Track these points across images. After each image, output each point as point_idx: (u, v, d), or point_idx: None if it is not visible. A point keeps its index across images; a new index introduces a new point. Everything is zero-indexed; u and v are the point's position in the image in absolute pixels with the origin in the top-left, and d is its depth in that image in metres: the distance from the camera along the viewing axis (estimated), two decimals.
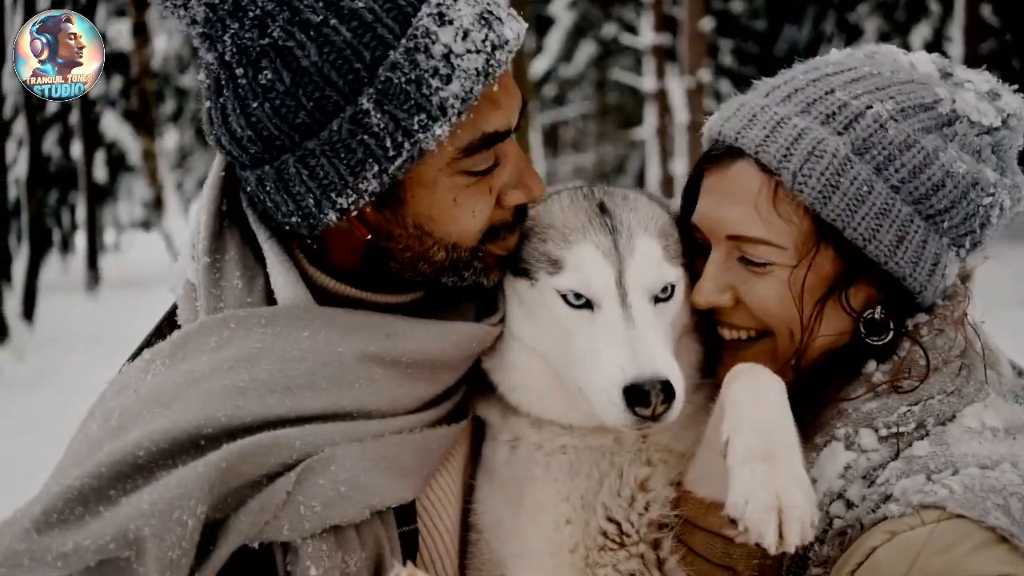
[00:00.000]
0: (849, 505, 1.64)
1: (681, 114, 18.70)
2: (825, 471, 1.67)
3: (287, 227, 1.69)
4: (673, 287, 1.83)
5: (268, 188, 1.64)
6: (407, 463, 1.66)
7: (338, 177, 1.58)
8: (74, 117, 24.20)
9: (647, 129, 21.81)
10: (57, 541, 1.32)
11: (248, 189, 1.70)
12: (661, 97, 20.71)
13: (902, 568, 1.48)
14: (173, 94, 30.38)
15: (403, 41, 1.53)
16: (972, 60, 16.41)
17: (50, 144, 26.92)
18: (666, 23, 21.13)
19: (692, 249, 1.90)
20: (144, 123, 19.21)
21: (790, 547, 1.40)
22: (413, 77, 1.53)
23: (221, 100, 1.62)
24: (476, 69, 1.56)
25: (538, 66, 25.72)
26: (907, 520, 1.52)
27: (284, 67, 1.54)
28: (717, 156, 1.82)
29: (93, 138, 24.67)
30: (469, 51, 1.56)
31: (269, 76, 1.54)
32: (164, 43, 29.34)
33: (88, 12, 19.30)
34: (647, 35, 21.01)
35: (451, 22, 1.55)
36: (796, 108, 1.75)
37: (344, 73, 1.53)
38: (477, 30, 1.58)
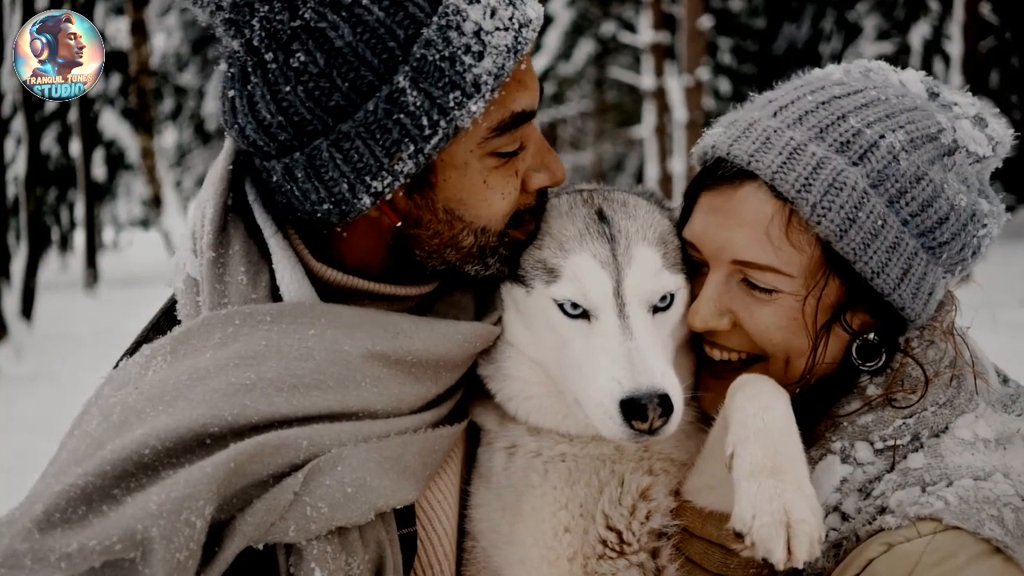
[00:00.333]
0: (844, 517, 1.64)
1: (680, 112, 18.68)
2: (821, 484, 1.66)
3: (317, 216, 1.66)
4: (673, 296, 1.80)
5: (298, 176, 1.61)
6: (411, 464, 1.65)
7: (373, 159, 1.57)
8: (73, 115, 24.21)
9: (646, 127, 21.78)
10: (60, 541, 1.28)
11: (274, 179, 1.66)
12: (660, 95, 20.68)
13: None
14: (171, 92, 30.35)
15: (435, 19, 1.54)
16: (971, 58, 16.43)
17: (49, 142, 26.95)
18: (665, 21, 21.11)
19: (688, 262, 1.88)
20: (142, 121, 19.18)
21: (799, 563, 1.39)
22: (447, 54, 1.53)
23: (249, 87, 1.60)
24: (506, 46, 1.58)
25: (536, 64, 25.66)
26: (904, 532, 1.52)
27: (317, 49, 1.53)
28: (723, 176, 1.78)
29: (92, 136, 24.66)
30: (498, 28, 1.57)
31: (301, 59, 1.54)
32: (162, 41, 29.35)
33: (86, 11, 19.29)
34: (646, 33, 20.98)
35: (478, 0, 1.56)
36: (810, 133, 1.72)
37: (379, 52, 1.52)
38: (503, 8, 1.59)
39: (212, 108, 28.38)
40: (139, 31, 18.55)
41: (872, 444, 1.68)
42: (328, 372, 1.58)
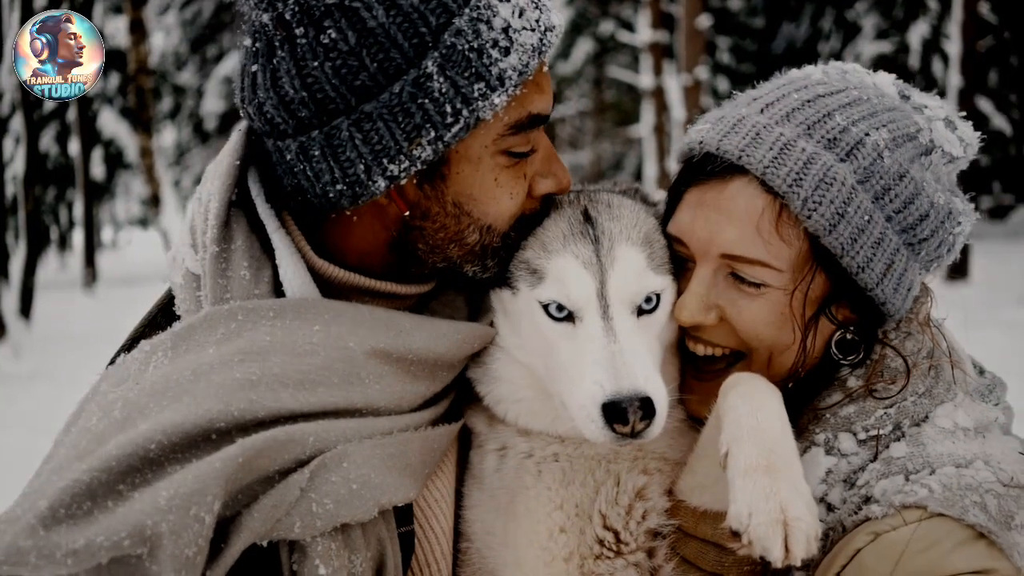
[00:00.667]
0: (830, 508, 1.66)
1: (678, 111, 18.70)
2: (807, 476, 1.65)
3: (328, 197, 1.65)
4: (659, 297, 1.80)
5: (313, 155, 1.62)
6: (412, 461, 1.65)
7: (393, 142, 1.58)
8: (71, 114, 24.21)
9: (644, 126, 21.79)
10: (66, 537, 1.26)
11: (287, 157, 1.65)
12: (658, 94, 20.70)
13: (887, 568, 1.51)
14: (170, 91, 30.31)
15: (467, 11, 1.57)
16: (970, 57, 16.43)
17: (47, 141, 26.94)
18: (663, 20, 21.12)
19: (674, 260, 1.88)
20: (141, 120, 19.18)
21: (796, 561, 1.39)
22: (475, 46, 1.56)
23: (275, 62, 1.60)
24: (532, 45, 1.61)
25: None
26: (889, 521, 1.54)
27: (349, 27, 1.54)
28: (713, 171, 1.78)
29: (90, 135, 24.67)
30: (525, 28, 1.61)
31: (333, 35, 1.54)
32: (161, 40, 29.33)
33: (85, 10, 19.27)
34: (644, 32, 20.99)
35: (509, 0, 1.60)
36: (799, 130, 1.74)
37: (410, 36, 1.54)
38: (531, 10, 1.63)
39: (211, 107, 28.37)
40: (138, 30, 18.55)
41: (855, 435, 1.70)
42: (333, 368, 1.57)
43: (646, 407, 1.61)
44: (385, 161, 1.59)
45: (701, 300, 1.77)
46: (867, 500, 1.60)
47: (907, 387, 1.71)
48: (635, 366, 1.65)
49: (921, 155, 1.77)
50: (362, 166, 1.60)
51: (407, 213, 1.69)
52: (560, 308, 1.75)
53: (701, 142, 1.82)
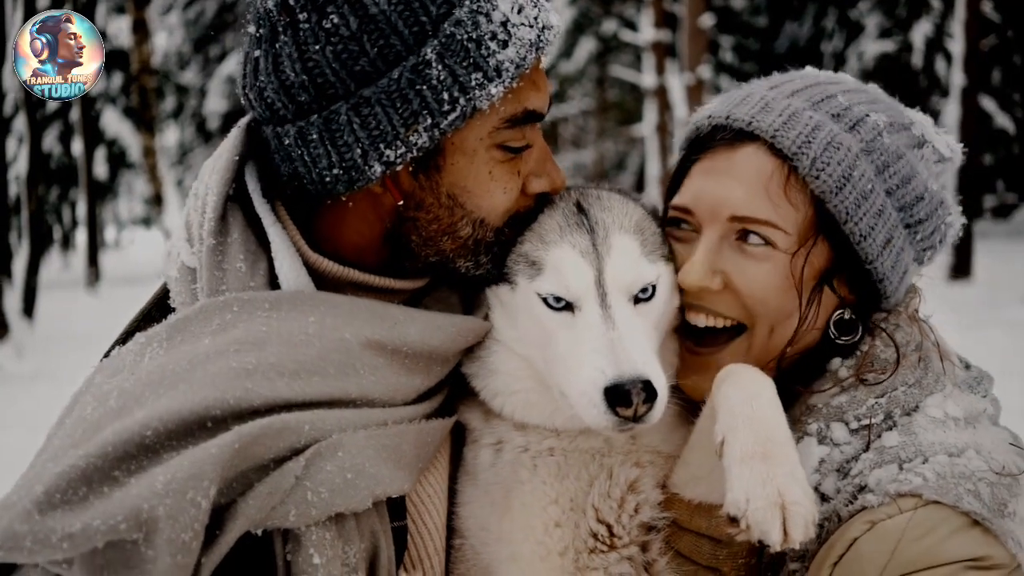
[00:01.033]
0: (824, 498, 1.67)
1: (681, 110, 18.67)
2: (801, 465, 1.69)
3: (324, 182, 1.67)
4: (654, 287, 1.81)
5: (311, 140, 1.64)
6: (406, 453, 1.66)
7: (390, 127, 1.60)
8: (74, 114, 24.25)
9: (647, 126, 21.79)
10: (62, 522, 1.26)
11: (285, 142, 1.68)
12: (661, 93, 20.69)
13: (884, 556, 1.53)
14: (173, 91, 30.36)
15: (467, 2, 1.60)
16: (973, 56, 16.42)
17: (50, 141, 26.99)
18: (666, 19, 21.12)
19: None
20: (144, 120, 19.23)
21: (795, 544, 1.41)
22: (474, 36, 1.60)
23: (277, 46, 1.63)
24: (529, 40, 1.65)
25: None
26: (885, 509, 1.56)
27: (351, 12, 1.58)
28: (723, 140, 1.83)
29: (93, 135, 24.70)
30: (523, 24, 1.65)
31: (335, 20, 1.58)
32: (164, 40, 29.37)
33: (88, 10, 19.30)
34: (647, 31, 20.99)
35: None
36: (805, 103, 1.80)
37: (410, 24, 1.58)
38: (530, 7, 1.67)
39: (214, 107, 28.40)
40: (140, 30, 18.61)
41: (847, 424, 1.73)
42: (329, 359, 1.58)
43: (648, 390, 1.63)
44: (382, 146, 1.62)
45: (707, 264, 1.80)
46: (862, 489, 1.62)
47: (896, 376, 1.73)
48: (634, 352, 1.68)
49: (914, 146, 1.84)
50: (359, 150, 1.62)
51: (401, 203, 1.71)
52: (558, 299, 1.77)
53: (710, 116, 1.88)
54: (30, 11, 14.13)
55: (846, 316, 1.81)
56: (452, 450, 1.92)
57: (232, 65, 27.09)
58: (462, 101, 1.60)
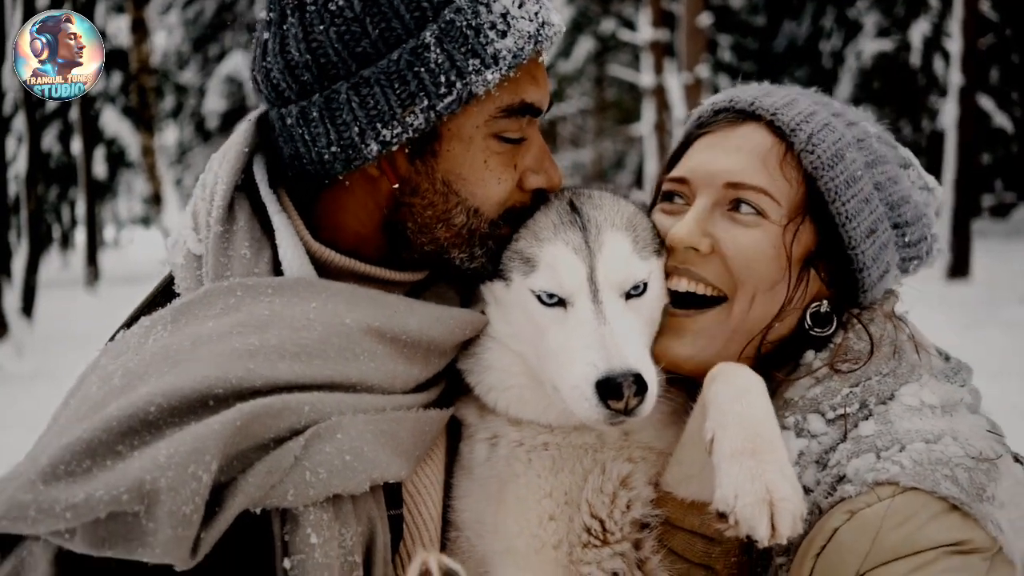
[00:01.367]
0: (805, 491, 1.68)
1: (679, 110, 18.68)
2: None
3: (323, 160, 1.72)
4: (646, 284, 1.84)
5: (312, 118, 1.70)
6: (404, 440, 1.68)
7: (388, 107, 1.66)
8: (74, 114, 24.23)
9: (645, 125, 21.80)
10: (65, 492, 1.29)
11: (287, 122, 1.74)
12: (659, 93, 20.70)
13: (864, 545, 1.55)
14: (172, 90, 30.35)
15: None
16: (971, 55, 16.42)
17: (50, 140, 26.98)
18: (664, 19, 21.13)
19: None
20: (143, 119, 19.22)
21: (782, 539, 1.43)
22: (474, 24, 1.65)
23: (284, 27, 1.70)
24: (528, 33, 1.70)
25: None
26: (864, 498, 1.58)
27: None
28: (725, 119, 1.92)
29: (93, 134, 24.69)
30: (523, 17, 1.70)
31: (340, 3, 1.65)
32: (163, 39, 29.37)
33: (87, 9, 19.30)
34: (645, 31, 21.00)
35: None
36: (806, 97, 1.90)
37: (412, 8, 1.65)
38: (531, 3, 1.73)
39: (213, 106, 28.39)
40: (139, 29, 18.60)
41: (823, 415, 1.75)
42: (330, 343, 1.61)
43: (639, 383, 1.65)
44: (379, 125, 1.67)
45: (697, 224, 1.84)
46: (840, 480, 1.64)
47: (870, 366, 1.76)
48: (625, 346, 1.71)
49: (901, 165, 1.91)
50: (356, 129, 1.67)
51: (397, 187, 1.74)
52: (551, 295, 1.80)
53: (712, 103, 1.96)
54: (30, 11, 14.12)
55: (822, 309, 1.85)
56: (448, 446, 1.94)
57: (231, 65, 27.11)
58: (458, 85, 1.65)
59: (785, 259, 1.81)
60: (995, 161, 25.52)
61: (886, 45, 23.35)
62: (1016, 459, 1.72)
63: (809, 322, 1.85)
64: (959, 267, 16.20)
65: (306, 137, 1.72)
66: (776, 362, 1.85)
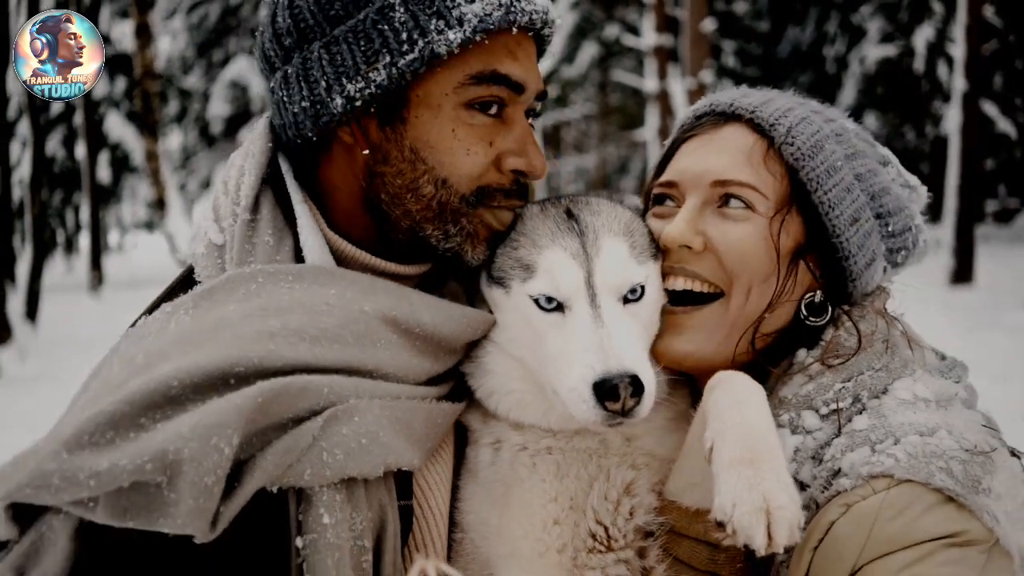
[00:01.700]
0: (802, 487, 1.70)
1: (683, 115, 18.67)
2: None
3: (297, 122, 1.78)
4: (643, 288, 1.87)
5: (291, 80, 1.78)
6: (416, 430, 1.71)
7: (352, 63, 1.72)
8: (78, 118, 24.30)
9: (649, 130, 21.81)
10: (89, 461, 1.31)
11: (274, 90, 1.83)
12: (663, 98, 20.72)
13: (861, 537, 1.56)
14: (176, 95, 30.45)
15: None
16: (975, 60, 16.41)
17: (54, 145, 27.07)
18: (668, 24, 21.15)
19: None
20: (147, 124, 19.23)
21: (779, 548, 1.43)
22: None
23: (275, 1, 1.82)
24: (499, 1, 1.73)
25: (540, 67, 25.69)
26: (859, 491, 1.59)
27: None
28: (707, 122, 1.97)
29: (97, 139, 24.73)
30: None
31: None
32: (168, 44, 29.44)
33: (91, 14, 19.35)
34: (649, 36, 21.02)
35: None
36: (783, 99, 1.96)
37: None
38: None
39: (217, 111, 28.47)
40: (144, 34, 18.62)
41: (817, 411, 1.76)
42: (348, 328, 1.64)
43: (636, 384, 1.67)
44: (344, 80, 1.73)
45: (688, 223, 1.88)
46: (836, 474, 1.65)
47: (859, 360, 1.78)
48: (622, 348, 1.72)
49: (880, 162, 1.95)
50: (324, 84, 1.74)
51: (367, 152, 1.78)
52: (549, 300, 1.82)
53: (695, 110, 2.03)
54: (34, 13, 14.17)
55: (816, 299, 1.88)
56: (456, 449, 1.96)
57: (235, 70, 27.18)
58: (420, 43, 1.69)
59: (784, 255, 1.84)
60: (998, 166, 25.50)
61: (890, 50, 23.36)
62: (1012, 453, 1.73)
63: (804, 312, 1.88)
64: (963, 272, 16.18)
65: (285, 99, 1.79)
66: (774, 358, 1.87)
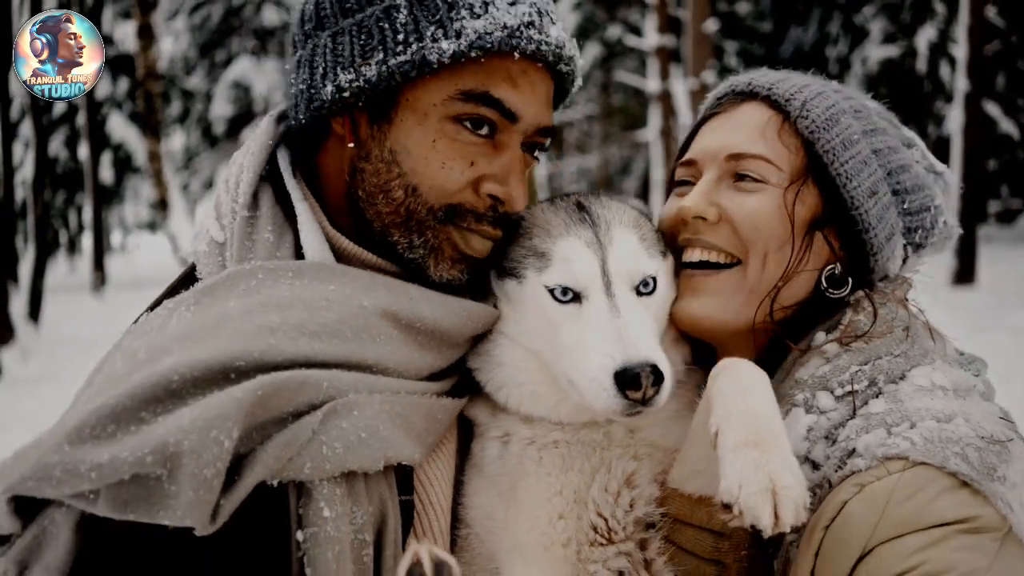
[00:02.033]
0: (815, 466, 1.71)
1: (685, 116, 18.71)
2: (789, 436, 1.70)
3: (295, 103, 1.83)
4: (655, 280, 1.89)
5: (301, 62, 1.84)
6: (417, 425, 1.71)
7: (350, 54, 1.76)
8: (81, 119, 24.35)
9: (651, 131, 21.82)
10: (91, 453, 1.32)
11: (291, 76, 1.87)
12: (665, 99, 20.73)
13: (873, 518, 1.55)
14: (179, 96, 30.48)
15: None
16: (977, 61, 16.41)
17: (56, 146, 27.13)
18: (670, 25, 21.16)
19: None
20: (150, 125, 19.24)
21: (786, 527, 1.44)
22: (450, 1, 1.74)
23: None
24: (504, 23, 1.73)
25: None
26: (873, 472, 1.59)
27: None
28: (726, 102, 2.01)
29: (99, 140, 24.79)
30: (506, 10, 1.74)
31: None
32: (170, 45, 29.46)
33: (93, 14, 19.37)
34: (651, 37, 21.03)
35: None
36: (801, 77, 2.00)
37: None
38: (525, 5, 1.77)
39: (219, 111, 28.47)
40: (146, 34, 18.63)
41: (832, 391, 1.76)
42: (348, 323, 1.65)
43: (656, 373, 1.68)
44: (339, 70, 1.76)
45: (703, 195, 1.92)
46: (851, 454, 1.65)
47: (878, 345, 1.78)
48: (640, 338, 1.74)
49: (904, 144, 1.96)
50: (321, 71, 1.79)
51: (352, 146, 1.80)
52: (565, 291, 1.83)
53: (716, 93, 2.07)
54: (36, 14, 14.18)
55: (836, 271, 1.89)
56: (459, 445, 1.96)
57: (238, 70, 27.20)
58: (414, 47, 1.70)
59: (799, 225, 1.86)
60: (1001, 167, 25.50)
61: (892, 51, 23.35)
62: None
63: (825, 284, 1.88)
64: (965, 273, 16.17)
65: (292, 79, 1.85)
66: (795, 334, 1.88)
